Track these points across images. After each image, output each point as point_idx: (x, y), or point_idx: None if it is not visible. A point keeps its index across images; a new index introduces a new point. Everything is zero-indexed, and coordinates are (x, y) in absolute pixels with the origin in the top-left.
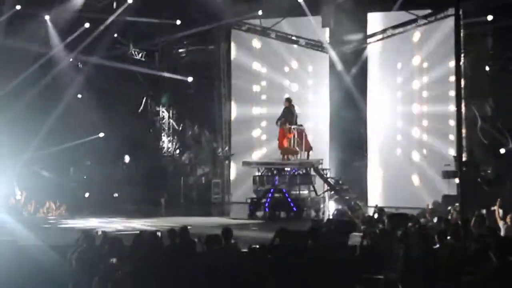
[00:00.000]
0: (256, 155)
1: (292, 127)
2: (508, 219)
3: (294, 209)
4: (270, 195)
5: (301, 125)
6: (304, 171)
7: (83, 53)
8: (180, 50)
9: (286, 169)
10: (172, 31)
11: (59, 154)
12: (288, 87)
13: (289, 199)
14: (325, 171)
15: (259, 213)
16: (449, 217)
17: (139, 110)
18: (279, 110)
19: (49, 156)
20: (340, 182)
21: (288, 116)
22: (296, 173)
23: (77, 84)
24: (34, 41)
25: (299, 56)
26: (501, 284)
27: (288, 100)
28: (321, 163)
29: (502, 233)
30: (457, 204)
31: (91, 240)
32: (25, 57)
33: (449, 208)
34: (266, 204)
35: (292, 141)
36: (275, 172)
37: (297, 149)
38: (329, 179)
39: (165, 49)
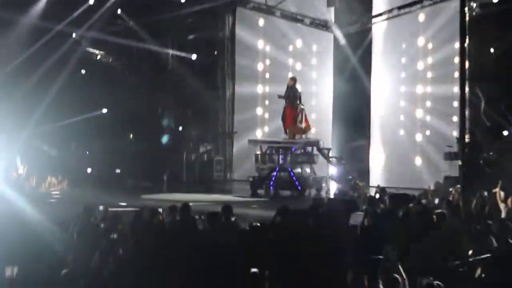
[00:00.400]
0: (259, 134)
1: (301, 106)
2: (509, 202)
3: (299, 188)
4: (275, 173)
5: (302, 105)
6: (306, 150)
7: (86, 29)
8: (185, 28)
9: (285, 147)
10: (177, 8)
11: (61, 129)
12: (292, 65)
13: (294, 178)
14: (327, 150)
15: (261, 191)
16: (450, 198)
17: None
18: (282, 88)
19: (51, 131)
20: (343, 162)
21: (294, 95)
22: (298, 152)
23: (80, 60)
24: (38, 17)
25: (303, 35)
26: (501, 266)
27: (293, 79)
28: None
29: (503, 215)
30: (458, 185)
31: (92, 215)
32: (29, 33)
33: (451, 189)
34: (271, 183)
35: (299, 120)
36: (279, 151)
37: (304, 128)
38: (331, 159)
39: (170, 27)
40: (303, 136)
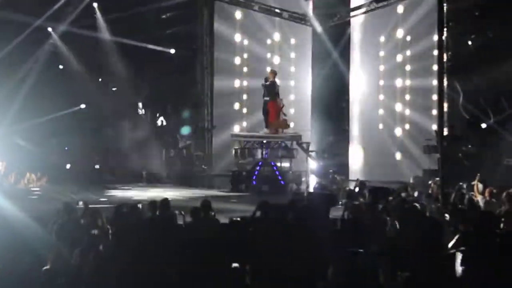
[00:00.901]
0: (237, 129)
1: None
2: (486, 194)
3: (282, 182)
4: (258, 168)
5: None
6: (286, 144)
7: (62, 23)
8: (163, 22)
9: (267, 142)
10: (155, 2)
11: (40, 125)
12: (270, 59)
13: (277, 173)
14: (306, 145)
15: (241, 186)
16: (430, 191)
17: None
18: (260, 83)
19: (30, 127)
20: (325, 155)
21: (274, 89)
22: (278, 146)
23: (57, 55)
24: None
25: (281, 28)
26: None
27: (274, 73)
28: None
29: (481, 207)
30: (437, 178)
31: (72, 211)
32: (5, 29)
33: (430, 182)
34: (254, 177)
35: (282, 114)
36: (260, 145)
37: (287, 122)
38: (310, 153)
39: (148, 21)
40: (284, 130)
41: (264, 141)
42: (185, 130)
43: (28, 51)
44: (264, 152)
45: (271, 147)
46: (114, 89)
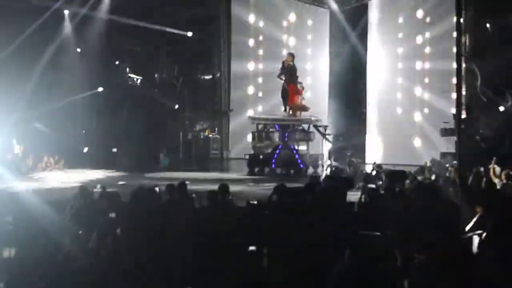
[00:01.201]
0: (251, 112)
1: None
2: (503, 176)
3: (301, 166)
4: (277, 151)
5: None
6: (303, 127)
7: (78, 6)
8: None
9: (285, 125)
10: None
11: (57, 109)
12: (285, 41)
13: (297, 156)
14: (323, 128)
15: (258, 169)
16: (447, 174)
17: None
18: (276, 65)
19: (47, 111)
20: (340, 139)
21: (294, 72)
22: (295, 129)
23: (76, 38)
24: None
25: (298, 10)
26: (498, 242)
27: (292, 55)
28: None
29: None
30: (455, 161)
31: (88, 195)
32: (26, 12)
33: (447, 165)
34: (273, 160)
35: (301, 98)
36: (274, 128)
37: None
38: (327, 136)
39: (165, 4)
40: (303, 113)
41: (282, 124)
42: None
43: (44, 35)
44: (283, 135)
45: (290, 130)
46: (130, 75)
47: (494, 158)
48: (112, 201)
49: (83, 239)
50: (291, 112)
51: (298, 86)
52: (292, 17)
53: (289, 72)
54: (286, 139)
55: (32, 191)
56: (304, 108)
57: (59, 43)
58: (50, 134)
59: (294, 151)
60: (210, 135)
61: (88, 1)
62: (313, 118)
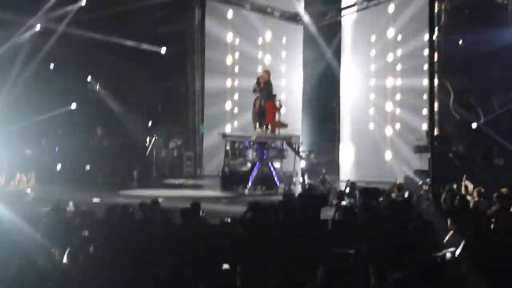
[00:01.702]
0: (228, 129)
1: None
2: (475, 194)
3: (277, 183)
4: (255, 168)
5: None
6: (276, 145)
7: (52, 20)
8: (154, 21)
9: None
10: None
11: (30, 126)
12: (261, 59)
13: (274, 173)
14: (297, 145)
15: (232, 186)
16: (420, 191)
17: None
18: (251, 82)
19: (20, 128)
20: (313, 155)
21: (271, 89)
22: (268, 147)
23: (47, 53)
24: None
25: (273, 27)
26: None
27: (268, 72)
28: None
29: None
30: (428, 179)
31: (62, 212)
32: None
33: (420, 182)
34: (250, 178)
35: (279, 114)
36: (252, 146)
37: (286, 122)
38: (301, 153)
39: (138, 20)
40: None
41: (258, 141)
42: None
43: (16, 51)
44: (261, 152)
45: (267, 147)
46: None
47: (465, 175)
48: (85, 218)
49: (56, 257)
50: (269, 129)
51: (276, 103)
52: (268, 35)
53: (266, 89)
54: (265, 156)
55: (6, 207)
56: (283, 125)
57: (31, 59)
58: (22, 151)
59: (272, 169)
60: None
61: (61, 17)
62: (293, 136)
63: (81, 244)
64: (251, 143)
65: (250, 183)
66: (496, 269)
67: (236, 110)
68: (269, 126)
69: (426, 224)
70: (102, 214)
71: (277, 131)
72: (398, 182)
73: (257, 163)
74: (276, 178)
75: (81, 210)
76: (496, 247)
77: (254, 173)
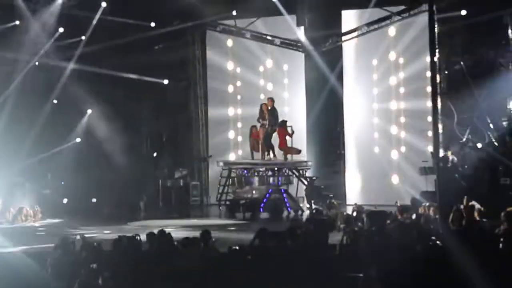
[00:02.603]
0: (232, 157)
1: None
2: (475, 214)
3: (289, 210)
4: (268, 195)
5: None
6: (282, 171)
7: (56, 57)
8: (155, 52)
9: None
10: (146, 33)
11: (35, 161)
12: (263, 86)
13: (286, 200)
14: (304, 170)
15: (239, 214)
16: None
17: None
18: (254, 110)
19: (26, 164)
20: (316, 180)
21: (276, 116)
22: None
23: (50, 89)
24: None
25: (274, 55)
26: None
27: (272, 100)
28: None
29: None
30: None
31: (69, 246)
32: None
33: (427, 204)
34: (262, 205)
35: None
36: (256, 173)
37: (298, 148)
38: (308, 179)
39: (140, 51)
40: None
41: (271, 168)
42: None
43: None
44: (273, 179)
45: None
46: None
47: (466, 197)
48: (92, 251)
49: None
50: (282, 156)
51: (288, 129)
52: (269, 62)
53: (272, 116)
54: (279, 183)
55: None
56: (297, 151)
57: (35, 95)
58: (28, 186)
59: (284, 195)
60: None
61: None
62: (302, 161)
63: (89, 277)
64: (261, 171)
65: (261, 210)
66: None
67: (239, 138)
68: (283, 153)
69: (435, 246)
70: (110, 246)
71: (292, 156)
72: (399, 205)
73: (270, 190)
74: (287, 205)
75: (88, 242)
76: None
77: (266, 200)
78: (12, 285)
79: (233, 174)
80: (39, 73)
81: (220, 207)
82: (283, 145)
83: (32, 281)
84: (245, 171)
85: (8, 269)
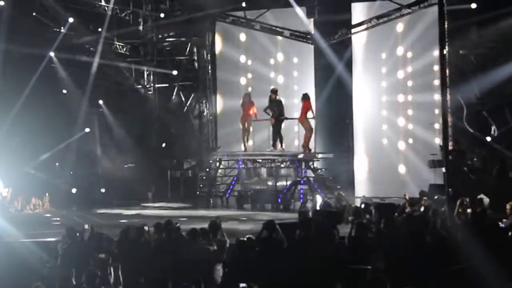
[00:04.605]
0: (241, 148)
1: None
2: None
3: (301, 201)
4: (288, 187)
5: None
6: (286, 162)
7: (66, 49)
8: (165, 44)
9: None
10: (156, 24)
11: (45, 151)
12: (274, 79)
13: (301, 191)
14: (311, 162)
15: (247, 205)
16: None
17: (125, 104)
18: (264, 102)
19: (35, 153)
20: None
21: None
22: (281, 165)
23: (61, 80)
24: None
25: (284, 48)
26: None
27: (274, 92)
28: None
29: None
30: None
31: (77, 235)
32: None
33: (436, 197)
34: (281, 195)
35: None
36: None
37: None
38: (315, 170)
39: (150, 42)
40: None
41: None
42: None
43: (29, 79)
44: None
45: (275, 166)
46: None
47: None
48: (100, 241)
49: (73, 280)
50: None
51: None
52: (280, 55)
53: (278, 107)
54: (306, 174)
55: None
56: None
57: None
58: (37, 176)
59: (302, 187)
60: None
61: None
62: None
63: (97, 267)
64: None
65: (279, 200)
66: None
67: (250, 129)
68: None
69: (442, 238)
70: (118, 235)
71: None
72: (407, 198)
73: (292, 181)
74: (301, 197)
75: (96, 232)
76: None
77: (286, 191)
78: (21, 274)
79: (242, 166)
80: (48, 65)
81: (228, 199)
82: (301, 118)
83: (41, 270)
84: (239, 162)
85: (17, 258)
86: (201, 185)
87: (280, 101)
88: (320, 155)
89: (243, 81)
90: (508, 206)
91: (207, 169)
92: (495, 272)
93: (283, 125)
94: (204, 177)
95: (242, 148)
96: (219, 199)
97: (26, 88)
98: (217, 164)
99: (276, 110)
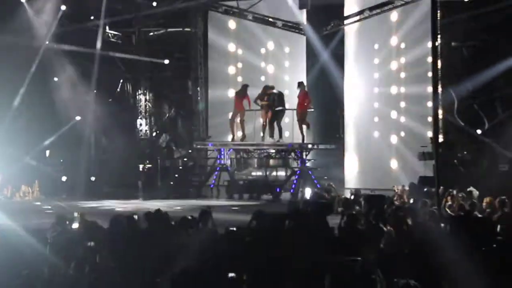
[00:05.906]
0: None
1: None
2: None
3: (291, 191)
4: (297, 176)
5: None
6: (280, 153)
7: (58, 37)
8: (157, 33)
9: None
10: (148, 13)
11: (35, 138)
12: (264, 68)
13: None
14: (305, 154)
15: (236, 195)
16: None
17: (116, 93)
18: (255, 92)
19: (25, 141)
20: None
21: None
22: (272, 155)
23: (53, 68)
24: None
25: (275, 37)
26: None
27: (265, 88)
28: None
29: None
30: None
31: (65, 224)
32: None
33: (425, 189)
34: (293, 186)
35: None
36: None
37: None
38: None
39: (141, 32)
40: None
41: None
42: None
43: (20, 64)
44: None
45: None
46: (109, 100)
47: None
48: (90, 229)
49: (62, 268)
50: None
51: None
52: (271, 45)
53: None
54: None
55: (12, 219)
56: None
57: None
58: (27, 163)
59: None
60: None
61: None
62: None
63: (86, 255)
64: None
65: (277, 189)
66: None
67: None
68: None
69: (431, 230)
70: (107, 224)
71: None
72: (396, 190)
73: (299, 171)
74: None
75: (85, 220)
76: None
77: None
78: (10, 261)
79: (232, 156)
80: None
81: (218, 188)
82: (302, 107)
83: (30, 258)
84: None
85: (6, 245)
86: (191, 175)
87: (279, 93)
88: (310, 146)
89: (232, 70)
90: (497, 201)
91: (197, 159)
92: (482, 264)
93: (286, 119)
94: (194, 166)
95: (230, 138)
96: (209, 189)
97: (21, 80)
98: (208, 153)
99: (277, 102)
